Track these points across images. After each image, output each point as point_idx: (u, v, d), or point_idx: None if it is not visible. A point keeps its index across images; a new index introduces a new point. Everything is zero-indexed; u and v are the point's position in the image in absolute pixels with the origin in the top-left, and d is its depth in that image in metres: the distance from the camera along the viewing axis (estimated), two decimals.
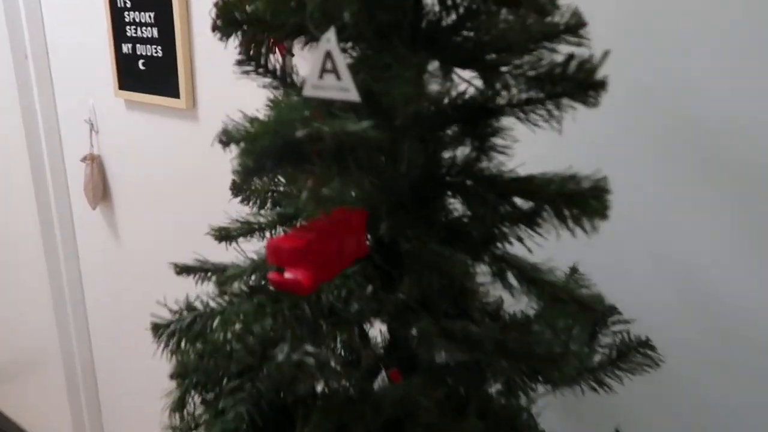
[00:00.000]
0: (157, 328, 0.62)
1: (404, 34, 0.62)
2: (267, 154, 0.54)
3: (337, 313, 0.61)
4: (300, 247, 0.56)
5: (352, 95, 0.54)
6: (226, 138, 0.61)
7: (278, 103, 0.56)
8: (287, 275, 0.56)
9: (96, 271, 2.12)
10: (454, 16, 0.66)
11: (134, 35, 1.61)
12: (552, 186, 0.62)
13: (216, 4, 0.65)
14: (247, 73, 0.68)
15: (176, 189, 1.73)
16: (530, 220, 0.65)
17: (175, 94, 1.58)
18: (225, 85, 1.52)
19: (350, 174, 0.51)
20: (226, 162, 1.58)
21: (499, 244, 0.65)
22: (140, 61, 1.63)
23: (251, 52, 0.67)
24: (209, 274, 0.80)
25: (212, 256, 1.72)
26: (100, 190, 1.90)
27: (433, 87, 0.56)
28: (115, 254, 2.00)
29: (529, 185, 0.64)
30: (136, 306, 2.01)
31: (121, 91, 1.71)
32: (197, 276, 0.81)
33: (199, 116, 1.60)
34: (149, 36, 1.59)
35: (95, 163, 1.87)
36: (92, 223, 2.04)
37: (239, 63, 0.67)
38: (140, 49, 1.62)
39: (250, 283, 0.70)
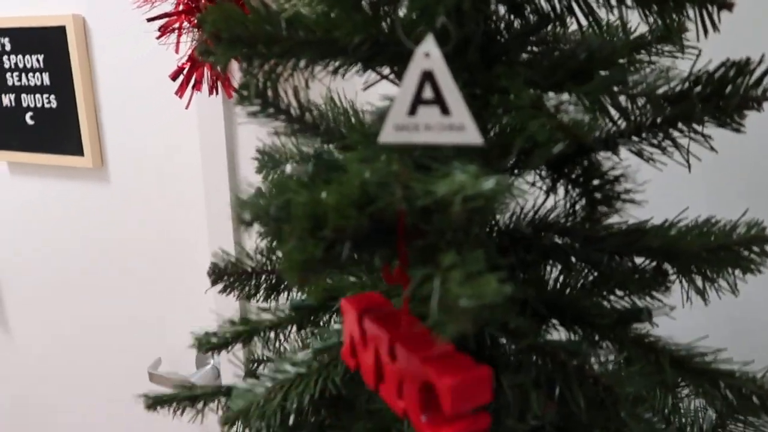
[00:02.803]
0: None
1: (476, 48, 0.45)
2: (344, 238, 0.34)
3: None
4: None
5: (471, 136, 0.35)
6: (254, 215, 0.40)
7: (349, 159, 0.36)
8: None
9: None
10: (520, 23, 0.50)
11: (18, 84, 1.32)
12: (694, 238, 0.47)
13: (202, 18, 0.44)
14: (254, 114, 0.47)
15: (83, 269, 1.42)
16: (659, 285, 0.49)
17: (78, 151, 1.30)
18: (141, 136, 1.26)
19: (487, 258, 0.32)
20: (151, 228, 1.31)
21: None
22: (27, 115, 1.33)
23: (259, 86, 0.46)
24: (201, 402, 0.56)
25: (145, 356, 1.40)
26: None
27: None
28: (5, 358, 1.63)
29: (656, 239, 0.48)
30: (36, 420, 1.64)
31: (2, 152, 1.39)
32: (176, 406, 0.57)
33: (110, 176, 1.32)
34: (38, 83, 1.30)
35: None
36: None
37: (240, 101, 0.46)
38: (27, 99, 1.32)
39: (285, 418, 0.48)
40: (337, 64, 0.47)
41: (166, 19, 0.93)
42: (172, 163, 1.24)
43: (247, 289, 0.62)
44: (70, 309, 1.48)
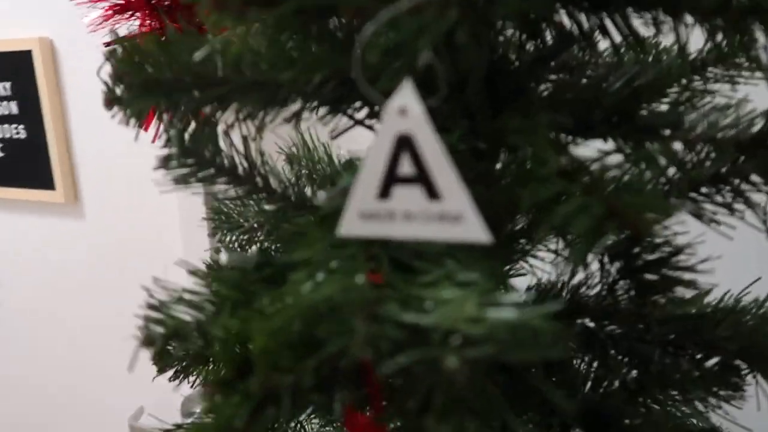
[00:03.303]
0: None
1: (478, 85, 0.33)
2: (279, 396, 0.22)
3: None
4: None
5: (471, 230, 0.23)
6: (169, 330, 0.29)
7: (295, 264, 0.24)
8: None
9: None
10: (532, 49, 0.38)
11: None
12: None
13: (109, 56, 0.33)
14: (185, 179, 0.35)
15: (55, 305, 1.31)
16: (730, 386, 0.37)
17: (49, 185, 1.20)
18: (118, 170, 1.15)
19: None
20: (125, 266, 1.20)
21: None
22: None
23: (189, 138, 0.34)
24: None
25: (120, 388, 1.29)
26: None
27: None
28: None
29: (726, 329, 0.36)
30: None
31: None
32: None
33: (85, 212, 1.22)
34: (6, 113, 1.20)
35: None
36: None
37: (164, 162, 0.35)
38: None
39: None
40: (294, 108, 0.35)
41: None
42: (152, 197, 1.13)
43: (204, 375, 0.51)
44: (44, 340, 1.37)
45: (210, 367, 0.53)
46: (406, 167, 0.24)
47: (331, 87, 0.34)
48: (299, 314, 0.22)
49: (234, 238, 0.48)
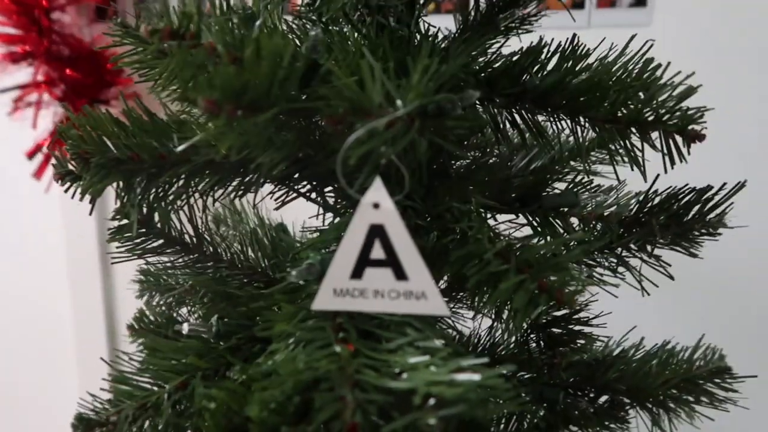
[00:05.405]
0: None
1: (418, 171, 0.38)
2: None
3: None
4: None
5: (434, 306, 0.28)
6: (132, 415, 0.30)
7: (275, 340, 0.27)
8: None
9: None
10: None
11: None
12: (655, 375, 0.42)
13: (63, 133, 0.34)
14: (136, 250, 0.36)
15: None
16: (618, 420, 0.44)
17: None
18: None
19: None
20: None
21: None
22: None
23: (141, 214, 0.36)
24: None
25: None
26: None
27: None
28: None
29: (615, 372, 0.43)
30: None
31: None
32: None
33: None
34: None
35: None
36: None
37: (118, 234, 0.36)
38: None
39: None
40: (245, 184, 0.38)
41: (19, 92, 0.79)
42: (36, 263, 1.06)
43: None
44: None
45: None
46: (377, 252, 0.27)
47: (283, 167, 0.37)
48: (295, 384, 0.25)
49: (162, 300, 0.48)
